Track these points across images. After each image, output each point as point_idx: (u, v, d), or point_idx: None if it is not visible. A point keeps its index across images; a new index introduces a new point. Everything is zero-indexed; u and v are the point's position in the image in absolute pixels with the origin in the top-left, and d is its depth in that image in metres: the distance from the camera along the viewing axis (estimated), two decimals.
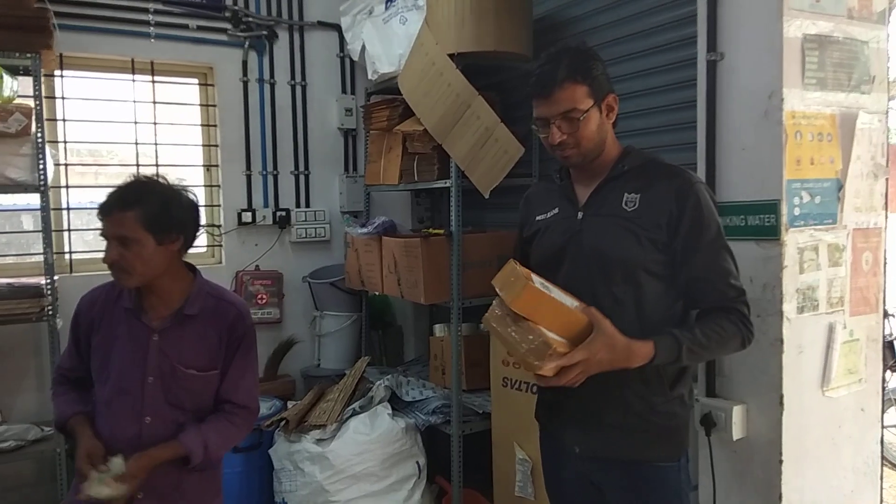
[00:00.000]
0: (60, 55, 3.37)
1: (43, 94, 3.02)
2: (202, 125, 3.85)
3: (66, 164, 3.47)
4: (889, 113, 2.19)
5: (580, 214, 1.70)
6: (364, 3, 3.71)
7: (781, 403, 1.94)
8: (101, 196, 1.78)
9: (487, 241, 3.23)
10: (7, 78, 2.92)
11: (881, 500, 2.24)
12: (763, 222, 1.96)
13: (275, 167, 3.94)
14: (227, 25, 3.77)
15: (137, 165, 3.64)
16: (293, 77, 3.97)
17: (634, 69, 2.79)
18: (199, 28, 3.71)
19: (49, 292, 3.01)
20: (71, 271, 3.43)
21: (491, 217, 3.68)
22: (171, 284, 1.83)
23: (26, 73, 3.03)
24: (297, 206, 4.00)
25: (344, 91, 4.11)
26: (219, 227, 3.83)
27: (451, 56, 2.96)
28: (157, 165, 3.69)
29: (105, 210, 1.73)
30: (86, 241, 3.53)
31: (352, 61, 4.04)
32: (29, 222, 3.52)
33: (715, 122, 2.09)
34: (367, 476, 3.01)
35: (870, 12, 2.11)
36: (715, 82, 2.09)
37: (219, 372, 1.86)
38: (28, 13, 2.92)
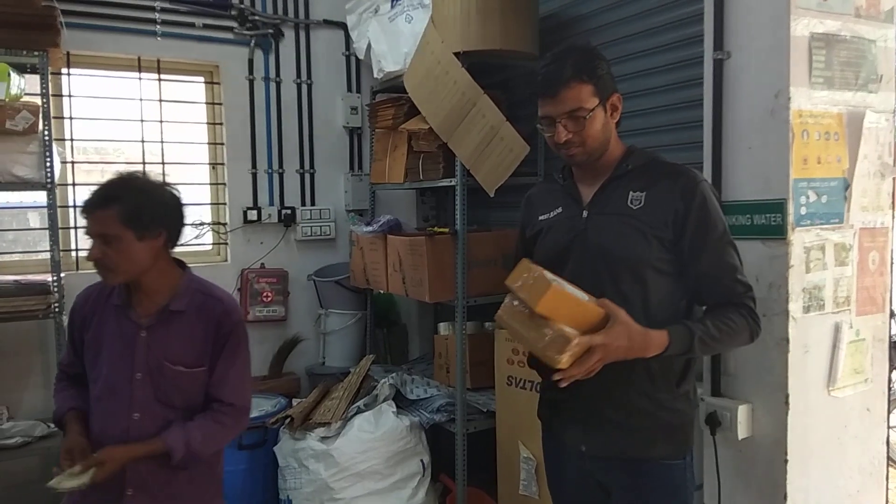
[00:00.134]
0: (67, 53, 3.38)
1: (50, 91, 3.03)
2: (208, 123, 3.86)
3: (72, 162, 3.48)
4: None
5: (585, 213, 1.70)
6: (370, 2, 3.71)
7: (787, 403, 1.93)
8: None
9: (492, 239, 3.23)
10: (14, 76, 2.93)
11: (887, 501, 2.23)
12: (769, 221, 1.96)
13: (280, 165, 3.95)
14: (234, 24, 3.78)
15: (144, 163, 3.66)
16: (299, 75, 3.98)
17: (639, 68, 2.79)
18: (206, 26, 3.72)
19: (55, 289, 3.03)
20: (77, 268, 3.44)
21: (496, 216, 3.68)
22: (158, 280, 1.82)
23: (33, 71, 3.05)
24: (303, 204, 4.01)
25: (349, 89, 4.12)
26: (224, 225, 3.83)
27: (456, 54, 2.96)
28: (163, 163, 3.70)
29: (87, 209, 1.75)
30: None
31: (357, 60, 4.04)
32: (36, 220, 3.53)
33: (721, 121, 2.09)
34: (371, 474, 3.02)
35: (877, 11, 2.10)
36: (721, 81, 2.08)
37: (206, 369, 1.84)
38: (35, 11, 2.93)
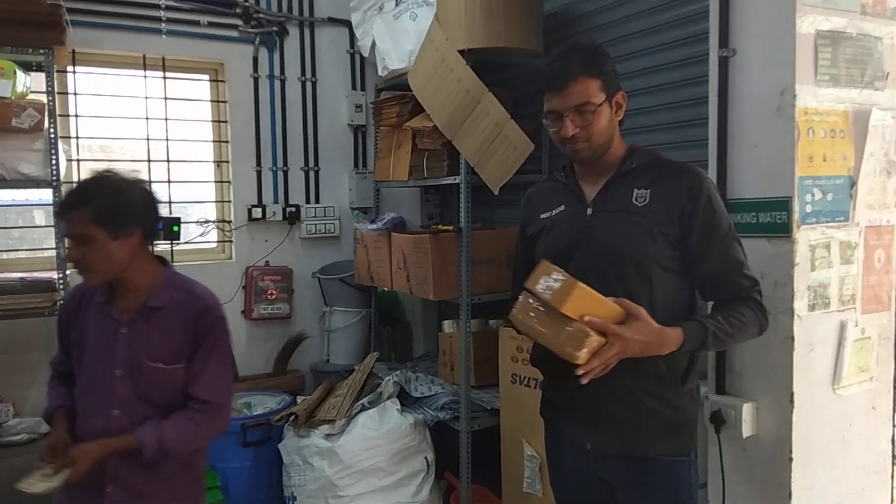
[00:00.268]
0: (73, 51, 3.39)
1: (55, 89, 3.04)
2: (213, 121, 3.87)
3: (78, 160, 3.50)
4: None
5: (589, 210, 1.70)
6: (374, 0, 3.71)
7: (792, 401, 1.93)
8: None
9: (496, 237, 3.23)
10: (20, 74, 2.94)
11: (892, 499, 2.23)
12: (774, 219, 1.95)
13: (285, 163, 3.95)
14: (238, 21, 3.78)
15: (149, 161, 3.67)
16: (303, 73, 3.98)
17: (644, 65, 2.78)
18: (210, 24, 3.72)
19: (61, 286, 3.04)
20: None
21: (500, 214, 3.68)
22: (137, 277, 1.82)
23: (39, 69, 3.06)
24: (307, 202, 4.02)
25: (354, 87, 4.12)
26: (229, 222, 3.84)
27: (461, 52, 2.96)
28: (167, 161, 3.71)
29: (61, 212, 1.77)
30: None
31: (362, 57, 4.04)
32: (41, 217, 3.54)
33: (726, 119, 2.08)
34: (375, 471, 3.02)
35: (884, 8, 2.09)
36: (727, 79, 2.07)
37: (184, 366, 1.82)
38: (41, 10, 2.94)
